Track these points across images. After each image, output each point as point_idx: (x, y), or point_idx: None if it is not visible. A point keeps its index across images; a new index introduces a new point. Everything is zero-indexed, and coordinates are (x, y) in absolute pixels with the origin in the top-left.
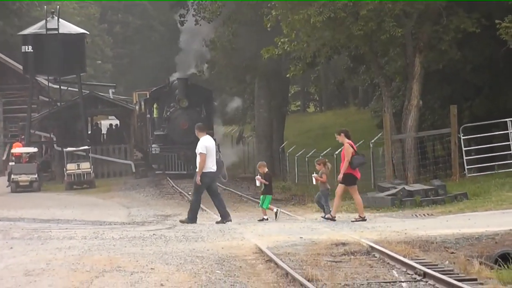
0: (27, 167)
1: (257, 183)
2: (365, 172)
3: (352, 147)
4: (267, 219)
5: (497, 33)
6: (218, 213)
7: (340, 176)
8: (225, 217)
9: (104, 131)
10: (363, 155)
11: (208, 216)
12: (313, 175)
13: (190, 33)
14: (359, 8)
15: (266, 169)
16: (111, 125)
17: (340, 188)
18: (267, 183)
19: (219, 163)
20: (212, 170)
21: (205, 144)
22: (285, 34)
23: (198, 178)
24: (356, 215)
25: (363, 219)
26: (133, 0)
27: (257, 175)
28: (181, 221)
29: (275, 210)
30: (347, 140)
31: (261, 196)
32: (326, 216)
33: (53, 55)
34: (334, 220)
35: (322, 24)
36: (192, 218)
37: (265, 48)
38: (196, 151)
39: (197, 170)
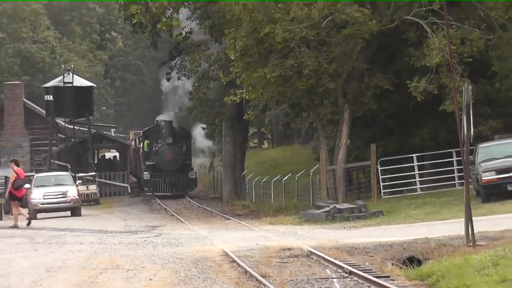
0: None
1: None
2: (305, 194)
3: (17, 173)
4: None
5: (407, 90)
6: (193, 225)
7: (6, 193)
8: None
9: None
10: (29, 179)
11: (186, 227)
12: None
13: (174, 87)
14: (303, 68)
15: None
16: (114, 156)
17: (13, 203)
18: None
19: None
20: None
21: None
22: (244, 87)
23: None
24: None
25: (16, 227)
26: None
27: None
28: None
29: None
30: (15, 168)
31: None
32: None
33: (69, 103)
34: (17, 227)
35: (274, 79)
36: None
37: (227, 96)
38: None
39: None
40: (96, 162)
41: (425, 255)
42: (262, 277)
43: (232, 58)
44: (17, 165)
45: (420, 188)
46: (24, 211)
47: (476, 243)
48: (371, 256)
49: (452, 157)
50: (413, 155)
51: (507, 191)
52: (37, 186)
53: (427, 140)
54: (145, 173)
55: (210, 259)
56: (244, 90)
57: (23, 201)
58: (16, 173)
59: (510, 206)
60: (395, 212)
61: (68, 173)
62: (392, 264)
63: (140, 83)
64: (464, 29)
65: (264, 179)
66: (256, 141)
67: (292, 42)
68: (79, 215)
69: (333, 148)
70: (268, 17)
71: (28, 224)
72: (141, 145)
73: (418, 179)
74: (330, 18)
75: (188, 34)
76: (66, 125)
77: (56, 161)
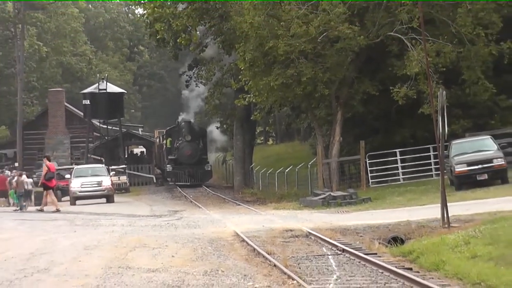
0: None
1: None
2: (304, 183)
3: (49, 167)
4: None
5: (390, 95)
6: (209, 210)
7: (39, 183)
8: None
9: (139, 155)
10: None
11: (203, 211)
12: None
13: (192, 92)
14: (301, 76)
15: None
16: (141, 152)
17: (47, 192)
18: None
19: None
20: None
21: None
22: (252, 92)
23: None
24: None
25: (58, 211)
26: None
27: None
28: None
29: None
30: (47, 163)
31: None
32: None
33: (103, 106)
34: (43, 211)
35: (277, 86)
36: None
37: (237, 99)
38: None
39: None
40: (126, 156)
41: (407, 235)
42: (268, 254)
43: (242, 68)
44: (49, 160)
45: (403, 178)
46: (49, 200)
47: (451, 225)
48: (361, 236)
49: (429, 152)
50: (396, 150)
51: (476, 181)
52: (76, 176)
53: (407, 137)
54: (168, 165)
55: (224, 239)
56: (252, 95)
57: (55, 190)
58: (48, 167)
59: (479, 194)
60: (381, 199)
61: (102, 165)
62: (379, 243)
63: (164, 90)
64: (438, 43)
65: (269, 171)
66: (262, 138)
67: (292, 54)
68: (112, 201)
69: (328, 144)
70: (272, 33)
71: (40, 210)
72: (165, 142)
73: (401, 171)
74: (324, 34)
75: (204, 48)
76: (101, 125)
77: (92, 156)
